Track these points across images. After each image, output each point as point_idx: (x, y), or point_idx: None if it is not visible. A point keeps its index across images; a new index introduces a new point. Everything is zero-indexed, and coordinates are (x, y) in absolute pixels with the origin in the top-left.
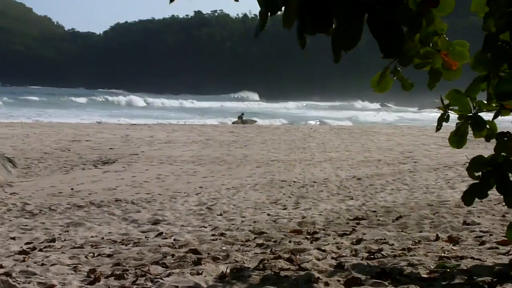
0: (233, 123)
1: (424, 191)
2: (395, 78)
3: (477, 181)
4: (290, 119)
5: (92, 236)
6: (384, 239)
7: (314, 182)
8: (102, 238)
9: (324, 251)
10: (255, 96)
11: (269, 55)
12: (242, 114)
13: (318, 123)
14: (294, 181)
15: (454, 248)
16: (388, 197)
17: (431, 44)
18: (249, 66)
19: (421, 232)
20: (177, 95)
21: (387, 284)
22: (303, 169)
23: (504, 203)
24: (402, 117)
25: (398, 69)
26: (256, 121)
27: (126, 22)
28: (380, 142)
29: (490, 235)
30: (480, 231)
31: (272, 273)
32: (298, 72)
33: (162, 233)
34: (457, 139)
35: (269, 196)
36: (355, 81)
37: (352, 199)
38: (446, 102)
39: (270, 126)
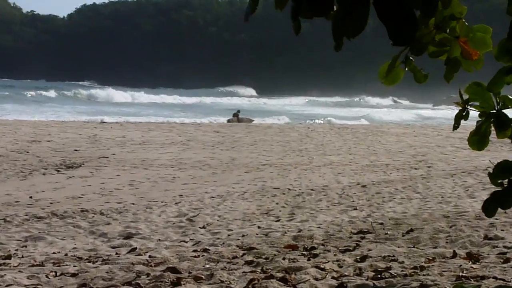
0: (228, 121)
1: (439, 200)
2: (406, 69)
3: (500, 189)
4: (292, 117)
5: (54, 252)
6: (393, 256)
7: (312, 189)
8: (66, 255)
9: (323, 269)
10: (248, 90)
11: (261, 43)
12: (238, 111)
13: (321, 122)
14: (289, 189)
15: (474, 266)
16: (397, 207)
17: (448, 30)
18: (238, 56)
19: (435, 248)
20: (154, 88)
21: None
22: (299, 175)
23: None
24: (421, 115)
25: (410, 58)
26: (253, 120)
27: (94, 3)
28: (388, 144)
29: None
30: (504, 246)
31: None
32: (293, 63)
33: (135, 248)
34: (478, 140)
35: (259, 206)
36: (359, 73)
37: (355, 209)
38: (465, 97)
39: (263, 125)
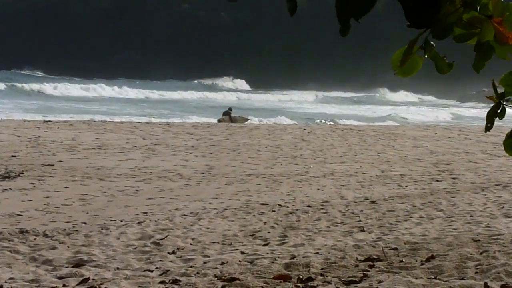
0: (219, 121)
1: (467, 220)
2: (426, 56)
3: None
4: (297, 117)
5: None
6: None
7: (309, 206)
8: (1, 286)
9: None
10: (234, 83)
11: (245, 24)
12: (230, 109)
13: (329, 123)
14: (280, 205)
15: None
16: (415, 228)
17: (478, 8)
18: (218, 40)
19: (462, 279)
20: (113, 79)
21: None
22: (292, 188)
23: None
24: (460, 115)
25: (431, 43)
26: (248, 119)
27: None
28: (404, 150)
29: None
30: None
31: None
32: (286, 49)
33: (87, 279)
34: None
35: (243, 226)
36: (368, 61)
37: (362, 231)
38: (500, 90)
39: (247, 126)
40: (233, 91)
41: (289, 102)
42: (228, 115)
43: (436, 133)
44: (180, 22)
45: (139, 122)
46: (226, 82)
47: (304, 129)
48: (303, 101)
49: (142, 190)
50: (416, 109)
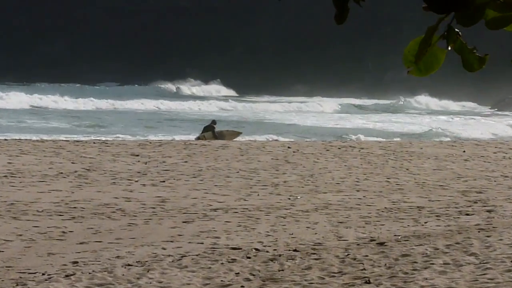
0: (198, 138)
1: (508, 267)
2: (449, 48)
3: None
4: (310, 132)
5: None
6: None
7: (296, 250)
8: None
9: None
10: (209, 88)
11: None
12: (214, 122)
13: (354, 138)
14: (257, 249)
15: None
16: (438, 279)
17: None
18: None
19: None
20: (28, 85)
21: None
22: (273, 226)
23: None
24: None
25: (456, 31)
26: (240, 133)
27: None
28: (422, 173)
29: None
30: None
31: None
32: (267, 42)
33: None
34: None
35: (208, 278)
36: (371, 55)
37: (368, 282)
38: None
39: (213, 144)
40: (205, 98)
41: (284, 113)
42: (211, 131)
43: (464, 151)
44: (122, 7)
45: (66, 141)
46: (194, 86)
47: (289, 147)
48: (306, 110)
49: (71, 232)
50: (462, 121)
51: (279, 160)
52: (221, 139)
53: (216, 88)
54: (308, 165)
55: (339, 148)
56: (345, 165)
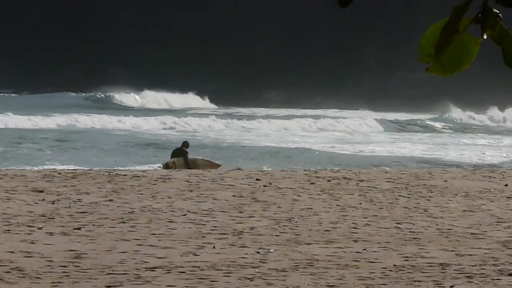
0: (166, 166)
1: None
2: (484, 36)
3: None
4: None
5: None
6: None
7: None
8: None
9: None
10: (171, 97)
11: None
12: (186, 145)
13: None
14: None
15: None
16: None
17: None
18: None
19: None
20: None
21: None
22: None
23: None
24: None
25: (496, 13)
26: (219, 165)
27: None
28: (445, 215)
29: None
30: None
31: None
32: (240, 37)
33: None
34: None
35: None
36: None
37: None
38: None
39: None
40: (161, 112)
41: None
42: (182, 156)
43: (506, 185)
44: None
45: None
46: (142, 96)
47: (257, 179)
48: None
49: None
50: None
51: (243, 198)
52: (196, 168)
53: (159, 97)
54: (285, 204)
55: (328, 181)
56: (338, 205)
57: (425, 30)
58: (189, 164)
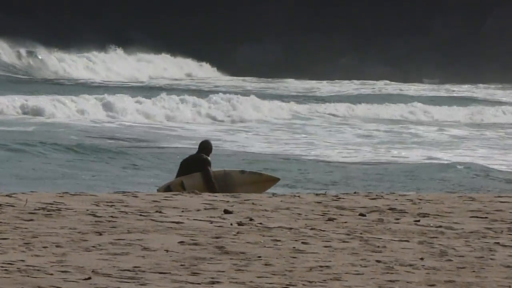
0: (165, 189)
1: None
2: None
3: None
4: None
5: None
6: None
7: None
8: None
9: None
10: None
11: None
12: (207, 147)
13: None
14: None
15: None
16: None
17: None
18: None
19: None
20: None
21: None
22: None
23: None
24: None
25: None
26: (278, 179)
27: None
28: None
29: None
30: None
31: None
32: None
33: None
34: None
35: None
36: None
37: None
38: None
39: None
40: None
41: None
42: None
43: None
44: None
45: None
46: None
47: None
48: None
49: None
50: None
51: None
52: (228, 190)
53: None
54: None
55: (307, 203)
56: (314, 245)
57: None
58: (214, 184)
